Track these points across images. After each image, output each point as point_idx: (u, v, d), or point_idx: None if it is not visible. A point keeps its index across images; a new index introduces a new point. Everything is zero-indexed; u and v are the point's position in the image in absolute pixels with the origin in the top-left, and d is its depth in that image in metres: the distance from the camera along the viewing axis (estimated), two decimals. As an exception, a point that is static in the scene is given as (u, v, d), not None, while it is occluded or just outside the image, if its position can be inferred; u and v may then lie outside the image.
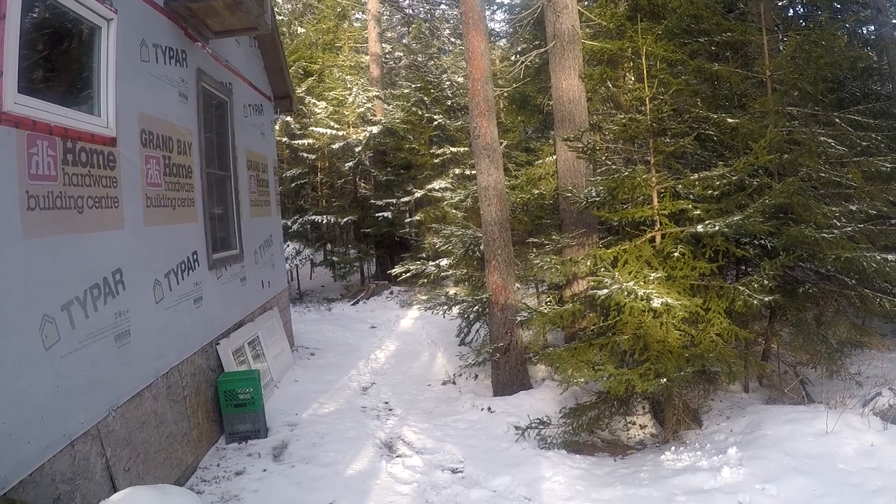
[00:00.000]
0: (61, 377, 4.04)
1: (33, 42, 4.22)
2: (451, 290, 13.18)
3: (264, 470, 6.15)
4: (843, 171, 8.01)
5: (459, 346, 10.93)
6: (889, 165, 8.04)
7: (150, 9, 6.04)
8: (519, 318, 8.35)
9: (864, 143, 8.37)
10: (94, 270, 4.62)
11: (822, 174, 7.78)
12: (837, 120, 8.51)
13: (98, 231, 4.71)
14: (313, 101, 19.55)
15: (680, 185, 6.94)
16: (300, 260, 17.80)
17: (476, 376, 9.55)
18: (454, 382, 9.56)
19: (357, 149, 18.43)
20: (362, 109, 19.54)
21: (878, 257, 6.86)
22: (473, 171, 10.28)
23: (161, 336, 5.72)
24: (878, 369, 7.90)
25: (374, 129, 18.46)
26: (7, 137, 3.65)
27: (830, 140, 7.99)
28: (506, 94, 12.26)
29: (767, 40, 8.54)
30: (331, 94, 20.14)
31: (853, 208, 7.56)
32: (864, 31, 15.84)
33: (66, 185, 4.24)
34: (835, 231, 7.11)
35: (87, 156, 4.58)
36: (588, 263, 7.39)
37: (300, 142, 18.72)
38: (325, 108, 19.14)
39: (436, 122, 18.36)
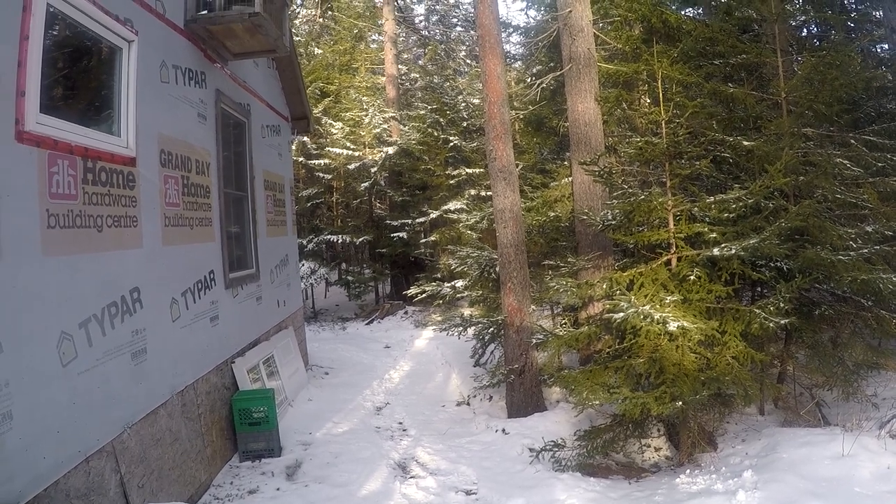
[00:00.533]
0: (77, 394, 4.07)
1: (55, 62, 4.30)
2: (467, 311, 13.19)
3: (277, 489, 6.16)
4: (859, 191, 7.96)
5: (474, 367, 10.90)
6: (905, 186, 8.00)
7: (171, 30, 6.14)
8: (534, 340, 8.33)
9: (879, 164, 8.32)
10: (112, 288, 4.67)
11: (838, 195, 7.74)
12: (853, 141, 8.47)
13: (117, 250, 4.76)
14: (330, 121, 19.69)
15: (696, 208, 6.93)
16: (315, 279, 17.84)
17: (490, 398, 9.52)
18: (468, 403, 9.53)
19: (373, 169, 18.53)
20: (378, 130, 19.69)
21: (895, 278, 6.81)
22: (489, 193, 10.30)
23: (177, 354, 5.75)
24: (895, 391, 7.81)
25: (390, 150, 18.58)
26: (29, 156, 3.71)
27: (846, 161, 7.96)
28: (522, 116, 12.33)
29: (782, 62, 8.54)
30: (347, 114, 20.28)
31: (869, 229, 7.50)
32: (878, 50, 15.83)
33: (85, 204, 4.31)
34: (851, 253, 7.05)
35: (107, 175, 4.64)
36: (604, 286, 7.38)
37: (316, 162, 18.83)
38: (342, 128, 19.27)
39: (451, 144, 18.43)
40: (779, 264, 7.56)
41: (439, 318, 13.83)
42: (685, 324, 6.23)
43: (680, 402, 6.05)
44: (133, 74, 5.14)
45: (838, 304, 7.84)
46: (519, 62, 18.14)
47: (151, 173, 5.44)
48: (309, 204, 19.50)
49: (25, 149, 3.68)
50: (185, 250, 6.16)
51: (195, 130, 6.64)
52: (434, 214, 17.88)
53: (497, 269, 9.17)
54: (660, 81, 7.33)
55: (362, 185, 18.95)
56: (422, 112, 19.66)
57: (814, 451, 5.68)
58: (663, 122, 7.19)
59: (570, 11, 9.21)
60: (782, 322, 6.52)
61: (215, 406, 6.62)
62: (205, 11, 6.65)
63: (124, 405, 4.71)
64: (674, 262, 7.05)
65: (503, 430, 7.85)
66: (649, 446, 7.50)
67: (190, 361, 6.08)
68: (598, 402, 6.69)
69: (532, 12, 18.10)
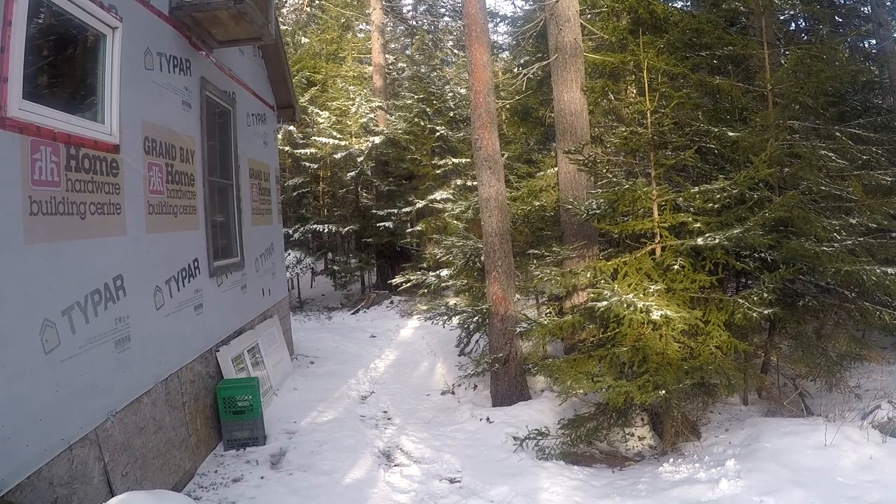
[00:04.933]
0: (61, 382, 4.05)
1: (38, 48, 4.26)
2: (452, 301, 13.19)
3: (262, 477, 6.16)
4: (844, 184, 8.03)
5: (459, 356, 10.93)
6: (889, 179, 8.08)
7: (156, 17, 6.08)
8: (519, 329, 8.35)
9: (864, 157, 8.40)
10: (96, 276, 4.65)
11: (823, 187, 7.81)
12: (838, 133, 8.54)
13: (100, 237, 4.73)
14: (316, 110, 19.63)
15: (680, 198, 6.96)
16: (301, 269, 17.82)
17: (475, 386, 9.54)
18: (453, 392, 9.55)
19: (359, 158, 18.52)
20: (365, 119, 19.65)
21: (878, 270, 6.87)
22: (475, 182, 10.29)
23: (161, 342, 5.73)
24: (878, 382, 7.90)
25: (377, 140, 18.56)
26: (11, 143, 3.68)
27: (831, 153, 8.02)
28: (508, 105, 12.30)
29: (769, 54, 8.58)
30: (334, 104, 20.23)
31: (853, 221, 7.57)
32: (866, 45, 15.95)
33: (68, 192, 4.27)
34: (835, 244, 7.12)
35: (91, 162, 4.61)
36: (588, 275, 7.41)
37: (302, 151, 18.77)
38: (328, 117, 19.22)
39: (438, 133, 18.41)
40: (763, 255, 7.63)
41: (424, 308, 13.81)
42: (669, 313, 6.27)
43: (663, 391, 6.10)
44: (117, 61, 5.09)
45: (822, 295, 7.90)
46: (506, 52, 18.09)
47: (135, 161, 5.40)
48: (295, 193, 19.45)
49: (8, 135, 3.65)
50: (170, 238, 6.12)
51: (180, 118, 6.59)
52: (420, 204, 17.89)
53: (482, 258, 9.18)
54: (645, 72, 7.34)
55: (348, 174, 18.94)
56: (409, 102, 19.60)
57: (797, 441, 5.74)
58: (649, 113, 7.22)
59: (558, 1, 9.20)
60: (766, 312, 6.58)
61: (200, 394, 6.61)
62: (190, -2, 6.61)
63: (108, 393, 4.69)
64: (658, 251, 7.09)
65: (487, 419, 7.88)
66: (633, 435, 7.54)
67: (174, 350, 6.05)
68: (582, 391, 6.73)
69: (519, 2, 18.19)
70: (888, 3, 14.84)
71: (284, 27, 22.48)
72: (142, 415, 5.20)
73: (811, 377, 7.77)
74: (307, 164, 19.07)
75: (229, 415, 6.86)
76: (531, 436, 6.98)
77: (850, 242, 7.23)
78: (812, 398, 7.82)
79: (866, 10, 15.03)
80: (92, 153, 4.63)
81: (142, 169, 5.54)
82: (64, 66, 4.92)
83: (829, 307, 7.85)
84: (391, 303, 17.96)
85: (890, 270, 6.90)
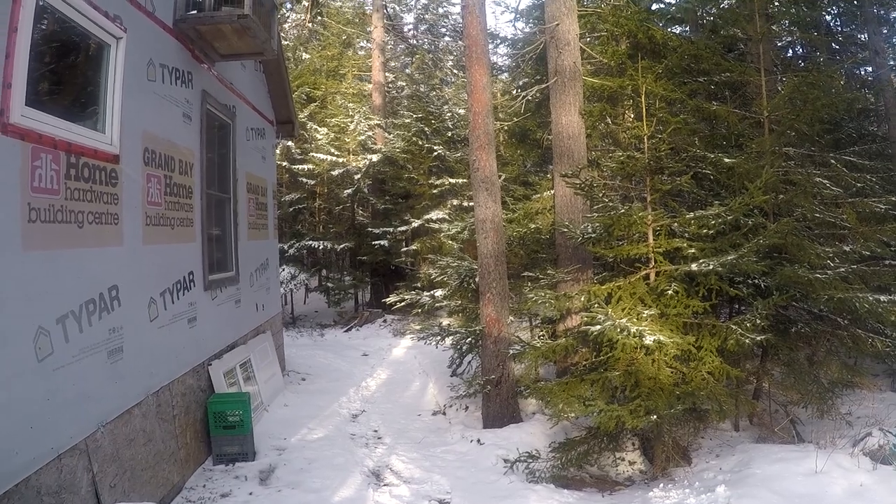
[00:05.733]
0: (52, 390, 4.04)
1: (42, 56, 4.28)
2: (445, 321, 13.19)
3: (250, 493, 6.12)
4: (838, 211, 8.09)
5: (451, 376, 10.90)
6: (883, 206, 8.15)
7: (160, 29, 6.12)
8: (511, 352, 8.35)
9: (858, 184, 8.47)
10: (91, 285, 4.64)
11: (817, 214, 7.86)
12: (833, 161, 8.62)
13: (97, 247, 4.73)
14: (315, 126, 19.66)
15: (675, 224, 7.01)
16: (295, 284, 17.77)
17: (467, 408, 9.52)
18: (444, 413, 9.53)
19: (356, 176, 18.54)
20: (363, 137, 19.70)
21: (871, 298, 6.90)
22: (471, 203, 10.32)
23: (153, 354, 5.71)
24: (869, 409, 7.89)
25: (374, 158, 18.60)
26: (12, 149, 3.69)
27: (826, 181, 8.09)
28: (506, 127, 12.36)
29: (766, 81, 8.66)
30: (332, 120, 20.28)
31: (847, 249, 7.61)
32: (862, 73, 16.08)
33: (67, 200, 4.28)
34: (828, 271, 7.16)
35: (90, 171, 4.62)
36: (582, 299, 7.44)
37: (300, 167, 18.79)
38: (327, 134, 19.26)
39: (436, 153, 18.50)
40: (756, 281, 7.65)
41: (418, 327, 13.83)
42: (661, 338, 6.28)
43: (655, 416, 6.10)
44: (120, 71, 5.11)
45: (815, 322, 7.93)
46: (505, 74, 18.23)
47: (134, 171, 5.42)
48: (291, 209, 19.44)
49: (9, 141, 3.66)
50: (166, 250, 6.12)
51: (180, 130, 6.62)
52: (416, 223, 17.93)
53: (476, 279, 9.19)
54: (643, 97, 7.40)
55: (345, 191, 18.96)
56: (407, 120, 19.69)
57: (787, 468, 5.73)
58: (646, 138, 7.27)
59: (558, 25, 9.28)
60: (758, 339, 6.60)
61: (190, 408, 6.58)
62: (194, 11, 6.64)
63: (99, 403, 4.67)
64: (652, 276, 7.12)
65: (478, 441, 7.85)
66: (623, 459, 7.53)
67: (166, 362, 6.03)
68: (573, 415, 6.73)
69: (520, 24, 18.17)
70: (885, 31, 15.03)
71: (286, 42, 22.58)
72: (132, 426, 5.18)
73: (803, 404, 7.77)
74: (304, 179, 19.08)
75: (219, 429, 6.82)
76: (522, 458, 6.96)
77: (843, 270, 7.27)
78: (803, 425, 7.82)
79: (863, 37, 15.19)
80: (92, 162, 4.64)
81: (140, 180, 5.55)
82: (67, 74, 4.95)
83: (822, 334, 7.88)
84: (384, 321, 17.92)
85: (883, 298, 6.94)
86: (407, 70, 29.60)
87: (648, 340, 6.32)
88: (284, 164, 18.84)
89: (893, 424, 6.85)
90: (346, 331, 17.06)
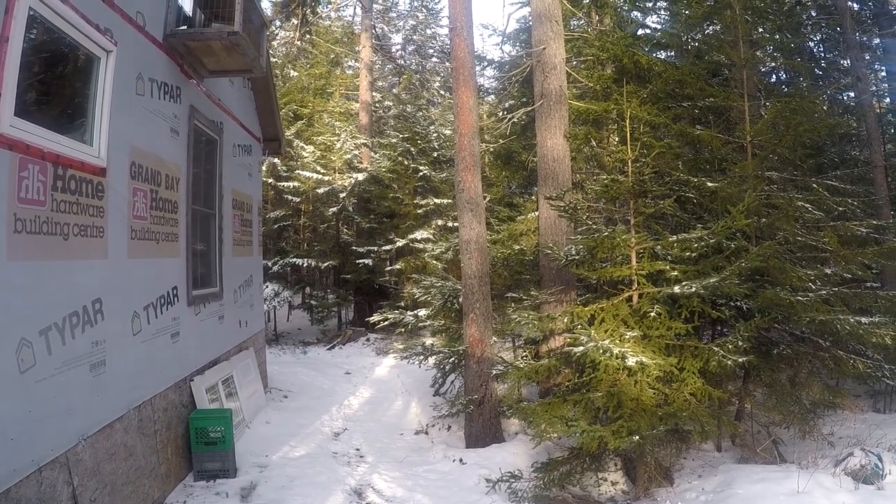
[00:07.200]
0: (34, 402, 4.01)
1: (32, 66, 4.29)
2: (428, 341, 13.17)
3: (231, 510, 6.08)
4: (820, 234, 8.18)
5: (434, 396, 10.88)
6: (864, 230, 8.25)
7: (149, 43, 6.15)
8: (494, 372, 8.36)
9: (840, 208, 8.58)
10: (75, 298, 4.63)
11: (799, 238, 7.94)
12: (815, 185, 8.72)
13: (81, 259, 4.72)
14: (301, 144, 19.70)
15: (659, 246, 7.06)
16: (278, 301, 17.72)
17: (449, 427, 9.50)
18: (427, 432, 9.50)
19: (342, 194, 18.57)
20: (349, 156, 19.74)
21: (852, 320, 6.96)
22: (456, 224, 10.37)
23: (136, 368, 5.68)
24: (851, 430, 7.96)
25: (360, 177, 18.66)
26: (0, 159, 3.69)
27: (808, 205, 8.18)
28: (492, 149, 12.42)
29: (749, 106, 8.77)
30: (319, 138, 20.35)
31: (828, 272, 7.69)
32: (845, 98, 16.32)
33: (53, 212, 4.28)
34: (810, 294, 7.22)
35: (77, 184, 4.62)
36: (565, 320, 7.46)
37: (286, 184, 18.78)
38: (313, 152, 19.29)
39: (421, 173, 18.58)
40: (738, 303, 7.71)
41: (401, 347, 13.80)
42: (644, 359, 6.32)
43: (637, 437, 6.11)
44: (109, 84, 5.13)
45: (797, 343, 7.98)
46: (492, 96, 18.31)
47: (121, 185, 5.42)
48: (276, 226, 19.42)
49: (-3, 151, 3.67)
50: (150, 264, 6.11)
51: (167, 145, 6.63)
52: (400, 243, 17.95)
53: (460, 299, 9.21)
54: (628, 121, 7.49)
55: (330, 209, 18.98)
56: (393, 140, 19.79)
57: (769, 488, 5.77)
58: (630, 161, 7.34)
59: (545, 49, 9.38)
60: (740, 360, 6.65)
61: (172, 423, 6.53)
62: (184, 27, 6.70)
63: (80, 417, 4.64)
64: (635, 298, 7.16)
65: (461, 460, 7.84)
66: (606, 480, 7.53)
67: (149, 377, 6.00)
68: (556, 435, 6.74)
69: (507, 47, 18.34)
70: (867, 57, 15.27)
71: (274, 59, 22.64)
72: (113, 440, 5.14)
73: (785, 425, 7.81)
74: (289, 197, 19.07)
75: (201, 445, 6.78)
76: (504, 478, 6.95)
77: (824, 292, 7.34)
78: (785, 445, 7.86)
79: (846, 63, 15.44)
80: (79, 175, 4.65)
81: (127, 194, 5.55)
82: (56, 85, 4.95)
83: (804, 355, 7.93)
84: (367, 340, 17.87)
85: (864, 320, 7.00)
86: (394, 90, 29.72)
87: (631, 362, 6.35)
88: (270, 181, 18.84)
89: (875, 444, 6.92)
90: (329, 349, 16.99)
